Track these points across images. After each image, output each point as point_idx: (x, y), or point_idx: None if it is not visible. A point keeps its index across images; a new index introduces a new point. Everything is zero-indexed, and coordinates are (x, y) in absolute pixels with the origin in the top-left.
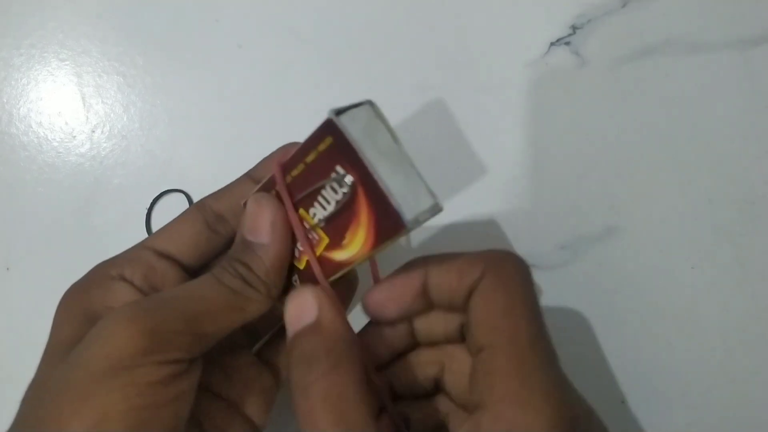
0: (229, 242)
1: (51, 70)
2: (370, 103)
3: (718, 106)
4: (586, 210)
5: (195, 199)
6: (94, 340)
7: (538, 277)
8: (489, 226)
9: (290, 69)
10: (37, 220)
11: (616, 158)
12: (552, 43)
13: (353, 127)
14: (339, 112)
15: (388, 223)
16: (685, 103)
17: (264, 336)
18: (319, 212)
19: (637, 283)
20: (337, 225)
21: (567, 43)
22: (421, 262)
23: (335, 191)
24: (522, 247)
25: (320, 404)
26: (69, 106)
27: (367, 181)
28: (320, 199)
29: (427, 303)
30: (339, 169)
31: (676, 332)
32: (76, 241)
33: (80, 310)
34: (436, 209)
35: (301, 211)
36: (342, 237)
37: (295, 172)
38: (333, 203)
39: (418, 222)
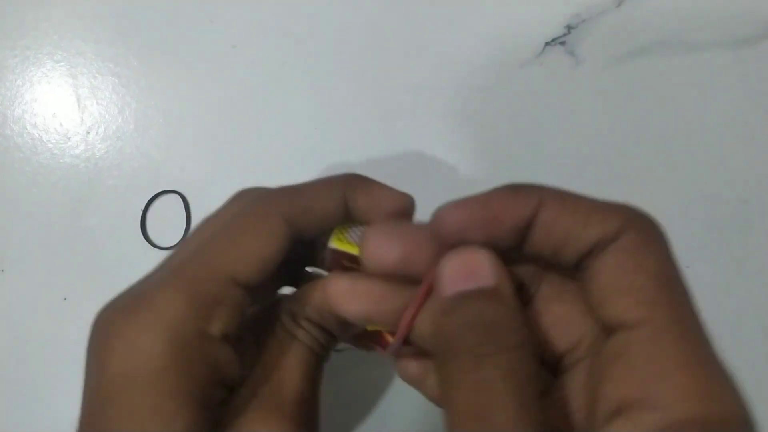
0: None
1: (46, 71)
2: None
3: (713, 105)
4: None
5: (190, 201)
6: None
7: None
8: None
9: (285, 69)
10: (32, 221)
11: (611, 157)
12: (547, 43)
13: None
14: None
15: None
16: (680, 102)
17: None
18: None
19: None
20: None
21: (562, 43)
22: (535, 190)
23: None
24: None
25: (500, 380)
26: (64, 108)
27: None
28: None
29: (519, 240)
30: None
31: None
32: (70, 243)
33: (185, 391)
34: None
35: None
36: None
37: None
38: None
39: None
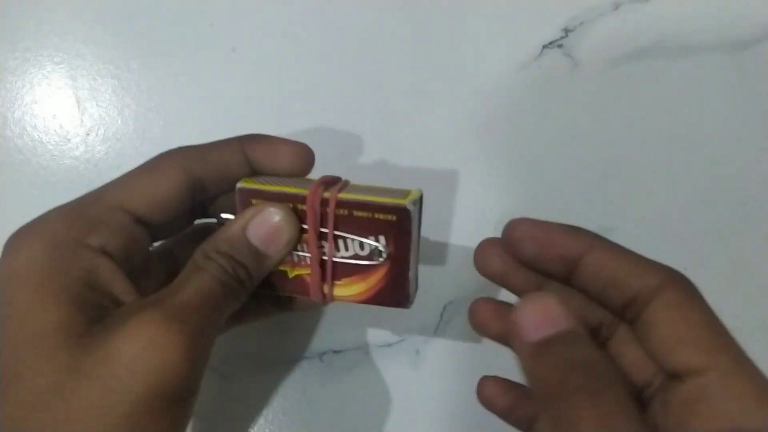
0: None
1: (46, 73)
2: (420, 197)
3: (710, 107)
4: (580, 211)
5: None
6: (134, 360)
7: None
8: (483, 226)
9: (284, 72)
10: None
11: (610, 160)
12: (545, 46)
13: (415, 219)
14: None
15: (394, 299)
16: (678, 104)
17: None
18: (328, 249)
19: None
20: (343, 268)
21: (560, 46)
22: (589, 235)
23: (362, 248)
24: None
25: (619, 413)
26: (64, 110)
27: (399, 265)
28: (341, 243)
29: (565, 271)
30: (382, 240)
31: None
32: None
33: (58, 287)
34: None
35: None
36: (338, 278)
37: (330, 209)
38: (352, 253)
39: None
